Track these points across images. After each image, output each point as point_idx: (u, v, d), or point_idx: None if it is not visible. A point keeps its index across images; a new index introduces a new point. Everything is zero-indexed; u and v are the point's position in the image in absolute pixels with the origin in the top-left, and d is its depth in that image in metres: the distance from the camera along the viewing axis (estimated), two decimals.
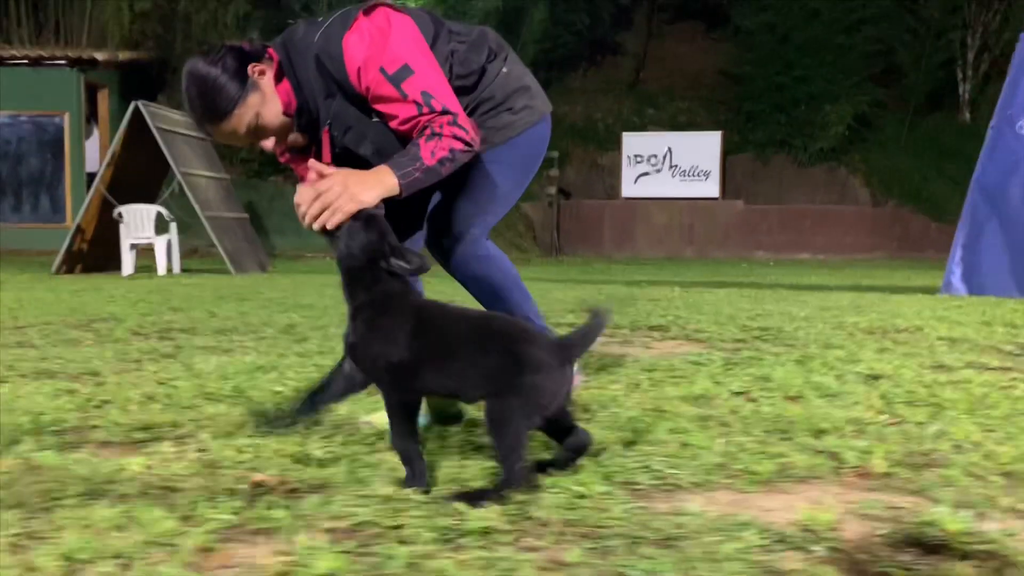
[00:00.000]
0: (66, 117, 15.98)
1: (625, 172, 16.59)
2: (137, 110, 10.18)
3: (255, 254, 11.58)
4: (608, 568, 1.33)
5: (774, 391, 2.81)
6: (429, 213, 2.35)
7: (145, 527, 1.50)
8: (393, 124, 2.14)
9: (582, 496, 1.68)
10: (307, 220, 1.88)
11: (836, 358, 3.52)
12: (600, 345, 4.23)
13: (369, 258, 1.83)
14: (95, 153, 16.67)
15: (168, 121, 10.58)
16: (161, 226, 10.62)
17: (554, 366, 1.73)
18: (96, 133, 17.00)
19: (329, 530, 1.51)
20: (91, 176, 16.61)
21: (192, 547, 1.41)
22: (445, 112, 2.07)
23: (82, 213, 10.33)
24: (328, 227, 1.86)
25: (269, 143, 2.18)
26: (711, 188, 16.38)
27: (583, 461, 1.85)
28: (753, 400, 2.68)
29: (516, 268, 2.43)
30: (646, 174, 16.57)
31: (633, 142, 16.74)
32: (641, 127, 18.38)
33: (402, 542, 1.44)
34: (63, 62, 16.04)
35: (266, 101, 2.12)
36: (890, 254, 16.25)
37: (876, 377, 3.08)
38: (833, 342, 4.12)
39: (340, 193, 1.86)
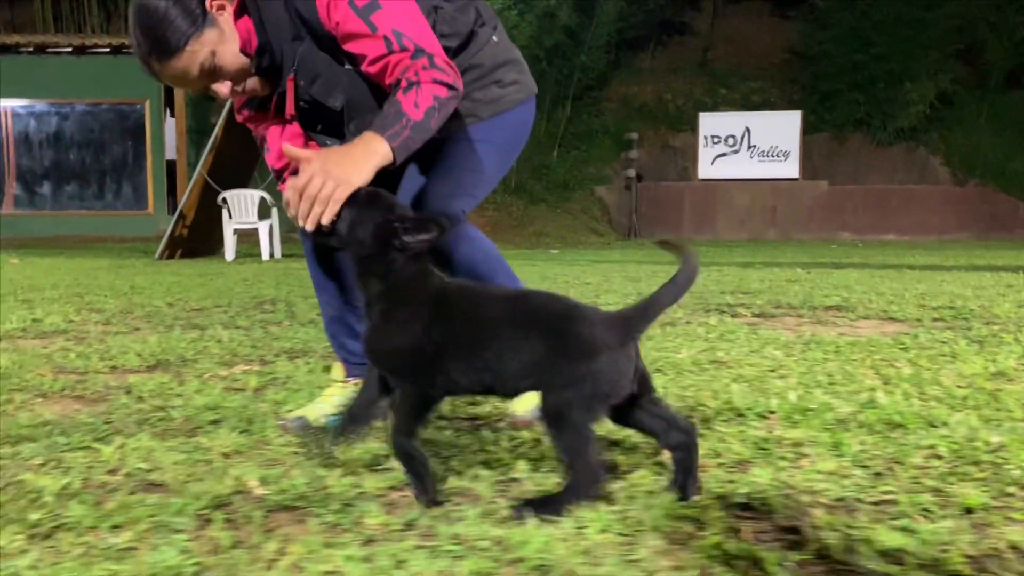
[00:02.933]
0: (146, 105, 16.16)
1: (702, 153, 16.36)
2: None
3: None
4: None
5: None
6: (413, 196, 2.07)
7: None
8: (363, 66, 1.87)
9: None
10: (300, 223, 1.64)
11: None
12: (796, 323, 4.14)
13: (382, 242, 1.58)
14: (172, 141, 16.84)
15: None
16: (264, 211, 10.68)
17: (612, 346, 1.49)
18: (172, 120, 17.16)
19: None
20: (170, 164, 16.85)
21: None
22: (419, 52, 1.80)
23: (185, 199, 10.42)
24: (323, 223, 1.60)
25: (224, 88, 1.92)
26: (790, 169, 16.09)
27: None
28: None
29: (499, 250, 2.16)
30: (724, 155, 16.32)
31: (710, 122, 16.49)
32: (713, 107, 18.10)
33: None
34: None
35: (224, 39, 1.86)
36: (975, 234, 15.85)
37: None
38: None
39: (324, 182, 1.60)
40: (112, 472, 1.77)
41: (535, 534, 1.34)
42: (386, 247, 1.58)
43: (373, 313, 1.61)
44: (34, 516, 1.49)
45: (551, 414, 1.46)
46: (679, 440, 1.53)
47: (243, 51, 1.89)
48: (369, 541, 1.37)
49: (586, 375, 1.45)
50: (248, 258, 10.47)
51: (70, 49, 15.83)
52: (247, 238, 11.23)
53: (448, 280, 1.67)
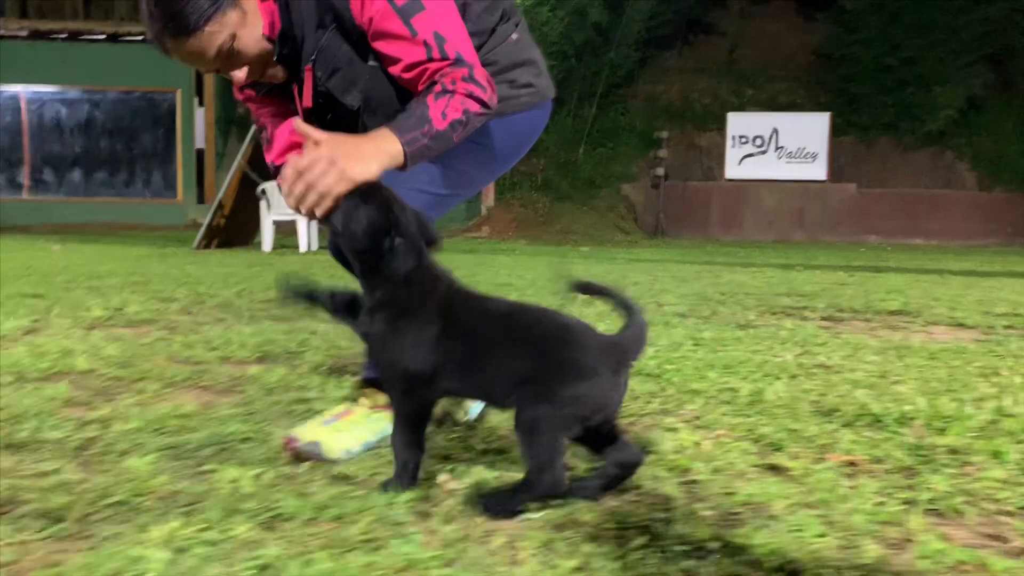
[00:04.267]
0: (178, 94, 16.22)
1: (729, 153, 16.36)
2: None
3: None
4: None
5: None
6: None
7: None
8: (394, 70, 1.75)
9: None
10: (291, 202, 1.56)
11: None
12: (868, 327, 4.17)
13: (375, 242, 1.54)
14: (201, 130, 16.91)
15: None
16: None
17: (604, 373, 1.48)
18: (201, 110, 17.22)
19: None
20: (199, 153, 16.92)
21: None
22: (459, 62, 1.70)
23: (224, 189, 10.47)
24: (317, 215, 1.55)
25: (241, 73, 1.78)
26: (818, 171, 16.09)
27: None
28: None
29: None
30: (751, 155, 16.32)
31: (738, 123, 16.49)
32: (740, 107, 18.08)
33: None
34: None
35: (246, 22, 1.72)
36: (1002, 241, 15.82)
37: None
38: None
39: (326, 171, 1.52)
40: (291, 463, 1.81)
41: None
42: (380, 247, 1.53)
43: (376, 317, 1.58)
44: (248, 505, 1.54)
45: (526, 428, 1.47)
46: (625, 460, 1.56)
47: (266, 36, 1.76)
48: (592, 538, 1.41)
49: (572, 398, 1.46)
50: (284, 249, 10.52)
51: (103, 37, 15.89)
52: (279, 229, 11.28)
53: (452, 286, 1.62)
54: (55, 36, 15.95)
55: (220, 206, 10.54)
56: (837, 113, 17.42)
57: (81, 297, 4.88)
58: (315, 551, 1.34)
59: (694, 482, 1.69)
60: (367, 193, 1.54)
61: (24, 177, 16.39)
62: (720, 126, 17.36)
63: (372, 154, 1.57)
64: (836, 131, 16.86)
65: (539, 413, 1.45)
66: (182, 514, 1.50)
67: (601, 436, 1.55)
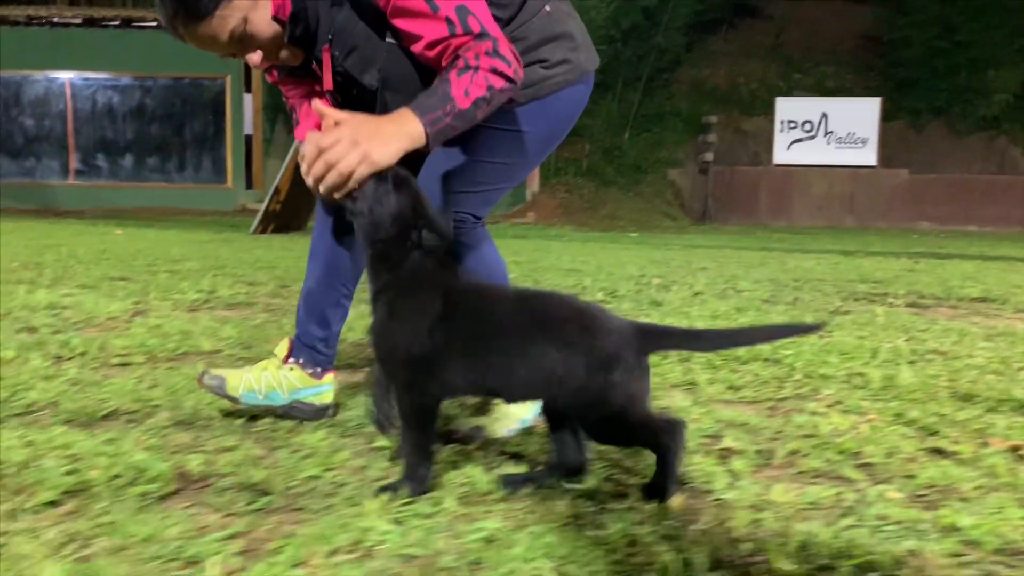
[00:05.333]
0: (227, 80, 16.37)
1: (778, 138, 16.18)
2: None
3: None
4: None
5: None
6: (420, 177, 1.82)
7: None
8: (415, 47, 1.69)
9: None
10: (310, 181, 1.53)
11: None
12: (957, 314, 4.13)
13: (399, 230, 1.51)
14: (248, 116, 17.07)
15: None
16: None
17: (630, 360, 1.42)
18: (248, 96, 17.38)
19: None
20: (248, 139, 17.09)
21: None
22: (483, 36, 1.63)
23: (281, 174, 10.57)
24: (336, 197, 1.53)
25: (256, 57, 1.77)
26: (868, 156, 15.86)
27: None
28: None
29: (504, 264, 1.98)
30: (799, 140, 16.13)
31: (786, 107, 16.29)
32: (787, 92, 17.86)
33: None
34: None
35: (257, 5, 1.70)
36: None
37: None
38: None
39: (347, 152, 1.49)
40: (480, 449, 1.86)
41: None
42: (402, 237, 1.51)
43: (380, 304, 1.55)
44: (445, 481, 1.58)
45: (589, 425, 1.46)
46: (572, 463, 1.56)
47: (275, 18, 1.73)
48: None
49: (602, 388, 1.40)
50: None
51: (155, 24, 16.06)
52: None
53: (460, 277, 1.59)
54: (108, 23, 16.15)
55: (276, 191, 10.63)
56: (887, 97, 17.14)
57: (168, 280, 4.98)
58: (532, 524, 1.37)
59: (870, 464, 1.71)
60: (396, 183, 1.52)
61: (71, 162, 16.68)
62: (767, 111, 17.17)
63: (393, 135, 1.53)
64: (886, 116, 16.59)
65: (584, 410, 1.43)
66: (380, 488, 1.53)
67: (564, 426, 1.54)
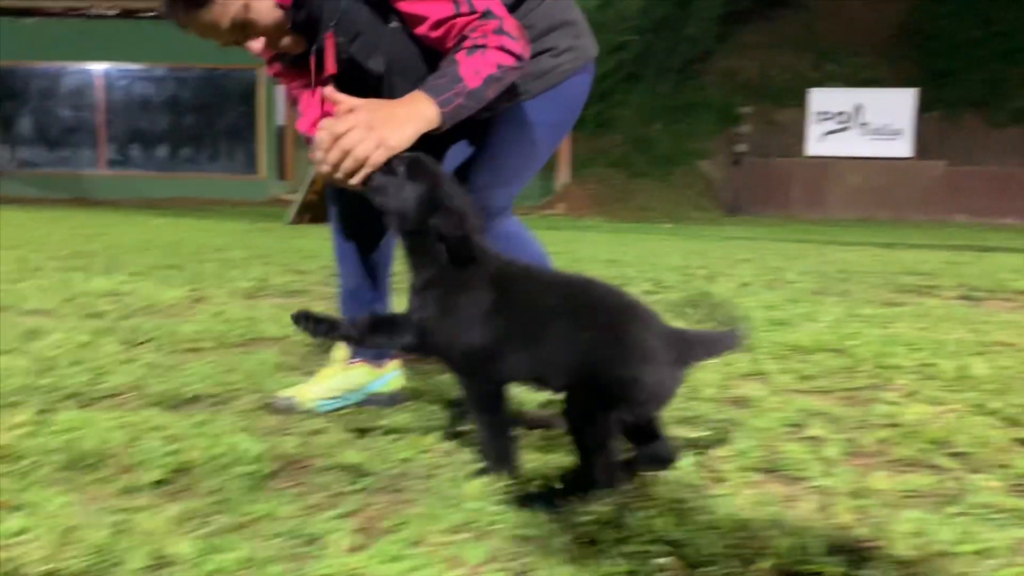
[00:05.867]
0: (259, 71, 16.46)
1: (811, 130, 16.01)
2: None
3: None
4: None
5: None
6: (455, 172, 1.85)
7: None
8: (420, 29, 1.68)
9: None
10: (325, 169, 1.52)
11: None
12: (1013, 306, 4.09)
13: (426, 219, 1.49)
14: (282, 108, 17.17)
15: None
16: None
17: (666, 361, 1.40)
18: (281, 87, 17.48)
19: None
20: (280, 129, 17.19)
21: None
22: (488, 15, 1.62)
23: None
24: (351, 183, 1.52)
25: (257, 44, 1.75)
26: (903, 148, 15.65)
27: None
28: None
29: (542, 247, 1.99)
30: (833, 132, 15.95)
31: (820, 98, 16.10)
32: (820, 83, 17.65)
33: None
34: None
35: None
36: None
37: None
38: None
39: (363, 137, 1.48)
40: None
41: None
42: (429, 225, 1.49)
43: (427, 298, 1.53)
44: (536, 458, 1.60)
45: (577, 413, 1.41)
46: (657, 455, 1.53)
47: (278, 4, 1.72)
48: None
49: (630, 382, 1.38)
50: None
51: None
52: None
53: (505, 260, 1.56)
54: (142, 15, 16.30)
55: (313, 182, 10.70)
56: (922, 88, 16.91)
57: (217, 269, 5.04)
58: (639, 509, 1.39)
59: (963, 454, 1.70)
60: (413, 168, 1.51)
61: (105, 152, 16.89)
62: (799, 102, 16.98)
63: (407, 119, 1.53)
64: (922, 107, 16.36)
65: (594, 398, 1.40)
66: (478, 471, 1.55)
67: (641, 430, 1.50)
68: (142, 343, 2.77)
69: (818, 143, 15.96)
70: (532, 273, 1.57)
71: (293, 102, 2.03)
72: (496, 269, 1.52)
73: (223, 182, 16.64)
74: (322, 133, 1.51)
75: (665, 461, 1.54)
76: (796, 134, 16.92)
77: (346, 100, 1.55)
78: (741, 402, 2.12)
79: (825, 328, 3.17)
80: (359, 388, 2.07)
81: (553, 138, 1.95)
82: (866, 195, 15.53)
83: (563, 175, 16.12)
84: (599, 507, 1.38)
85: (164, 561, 1.17)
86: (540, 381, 1.52)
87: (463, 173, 1.86)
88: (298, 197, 10.84)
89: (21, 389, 2.10)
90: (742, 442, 1.74)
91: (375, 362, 2.09)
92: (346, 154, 1.49)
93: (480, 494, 1.43)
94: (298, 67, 1.90)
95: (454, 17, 1.63)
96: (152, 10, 16.19)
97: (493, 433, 1.52)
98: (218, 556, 1.17)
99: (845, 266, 6.14)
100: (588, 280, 1.55)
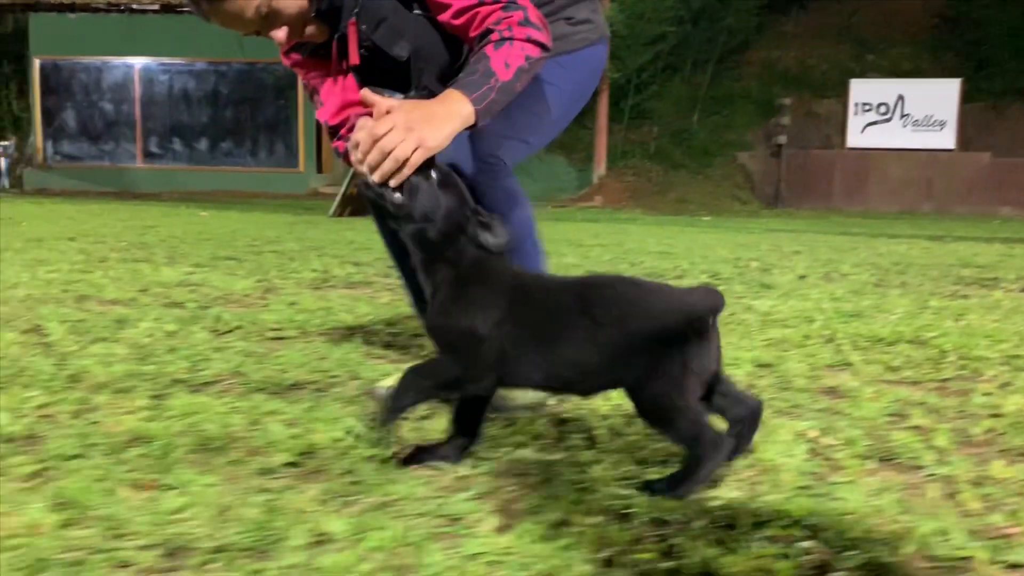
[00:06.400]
0: None
1: (852, 121, 15.83)
2: None
3: None
4: None
5: None
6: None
7: None
8: (443, 17, 1.70)
9: None
10: (363, 169, 1.51)
11: None
12: None
13: (451, 228, 1.50)
14: None
15: None
16: None
17: (704, 330, 1.39)
18: None
19: None
20: (318, 123, 17.35)
21: None
22: (512, 5, 1.64)
23: None
24: (392, 184, 1.51)
25: (281, 34, 1.73)
26: (946, 139, 15.43)
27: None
28: None
29: (533, 211, 1.91)
30: (874, 123, 15.76)
31: (861, 89, 15.91)
32: (860, 74, 17.44)
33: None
34: None
35: None
36: None
37: None
38: None
39: (402, 138, 1.48)
40: None
41: None
42: (454, 234, 1.50)
43: (440, 296, 1.54)
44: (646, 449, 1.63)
45: (651, 410, 1.40)
46: (741, 414, 1.47)
47: None
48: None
49: (677, 360, 1.37)
50: None
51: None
52: None
53: (521, 271, 1.58)
54: (183, 10, 16.49)
55: (354, 175, 10.79)
56: (966, 79, 16.65)
57: (277, 260, 5.12)
58: (766, 495, 1.41)
59: None
60: (444, 181, 1.53)
61: (146, 146, 17.14)
62: (838, 93, 16.80)
63: (445, 119, 1.54)
64: (965, 98, 16.12)
65: (661, 392, 1.38)
66: (594, 459, 1.58)
67: (712, 391, 1.47)
68: (228, 332, 2.83)
69: (859, 135, 15.77)
70: (548, 279, 1.59)
71: (310, 94, 2.03)
72: (516, 273, 1.55)
73: (264, 175, 16.83)
74: (361, 134, 1.52)
75: (755, 411, 1.50)
76: (836, 125, 16.76)
77: (382, 102, 1.56)
78: (835, 392, 2.13)
79: (899, 320, 3.16)
80: None
81: (566, 104, 1.95)
82: (908, 187, 15.35)
83: (600, 167, 16.09)
84: (726, 492, 1.41)
85: (324, 538, 1.21)
86: (565, 387, 1.52)
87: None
88: (339, 191, 10.94)
89: (128, 375, 2.17)
90: (849, 431, 1.75)
91: None
92: (386, 155, 1.49)
93: (607, 479, 1.46)
94: (317, 56, 1.90)
95: (478, 5, 1.66)
96: None
97: (413, 398, 1.53)
98: (375, 534, 1.21)
99: (899, 259, 6.09)
100: (596, 277, 1.57)
